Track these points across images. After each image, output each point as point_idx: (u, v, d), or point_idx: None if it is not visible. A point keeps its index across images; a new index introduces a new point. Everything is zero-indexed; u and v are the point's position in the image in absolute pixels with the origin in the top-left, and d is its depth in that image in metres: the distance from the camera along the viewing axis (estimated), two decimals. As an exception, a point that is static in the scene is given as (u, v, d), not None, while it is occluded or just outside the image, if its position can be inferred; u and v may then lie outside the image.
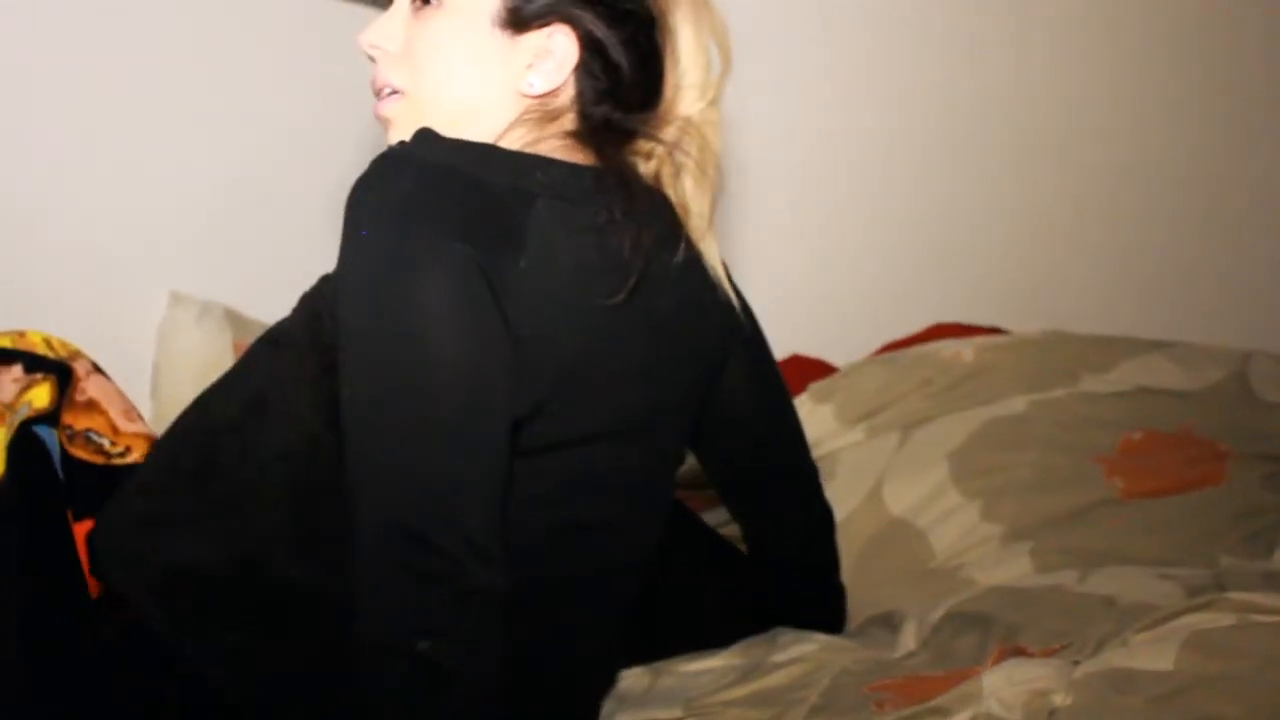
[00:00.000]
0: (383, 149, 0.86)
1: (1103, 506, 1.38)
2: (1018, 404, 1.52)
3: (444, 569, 0.73)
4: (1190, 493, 1.38)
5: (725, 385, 1.09)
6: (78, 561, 0.92)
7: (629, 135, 0.92)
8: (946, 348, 1.67)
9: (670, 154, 0.93)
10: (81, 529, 0.94)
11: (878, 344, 1.95)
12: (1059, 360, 1.58)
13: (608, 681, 1.03)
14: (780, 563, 1.22)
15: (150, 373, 1.93)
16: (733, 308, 0.99)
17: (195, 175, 2.01)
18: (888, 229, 2.07)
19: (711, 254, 0.96)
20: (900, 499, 1.47)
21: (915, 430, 1.55)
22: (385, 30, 0.94)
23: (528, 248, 0.81)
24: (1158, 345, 1.58)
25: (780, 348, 2.09)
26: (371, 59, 0.95)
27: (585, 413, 0.87)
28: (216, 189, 2.04)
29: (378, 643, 0.74)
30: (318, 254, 2.03)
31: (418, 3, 0.92)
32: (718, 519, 1.51)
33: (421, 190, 0.79)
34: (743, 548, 1.27)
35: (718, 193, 0.96)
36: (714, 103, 0.96)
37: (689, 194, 0.94)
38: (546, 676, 0.93)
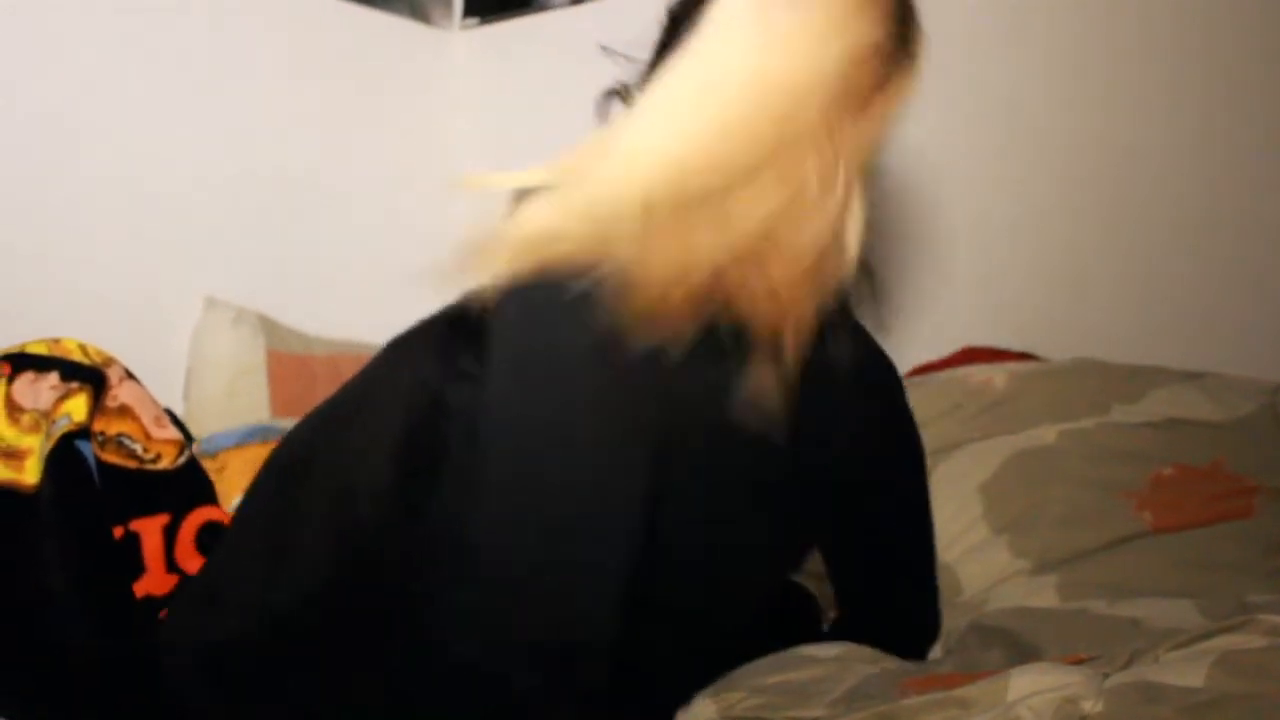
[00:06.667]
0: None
1: (1131, 541, 1.37)
2: (1048, 434, 1.52)
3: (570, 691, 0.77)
4: (1218, 526, 1.37)
5: None
6: (125, 566, 0.94)
7: None
8: (977, 373, 1.67)
9: None
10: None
11: (908, 366, 1.95)
12: (1090, 390, 1.57)
13: None
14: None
15: (183, 377, 1.95)
16: None
17: (231, 182, 2.03)
18: (917, 250, 2.07)
19: None
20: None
21: (944, 457, 1.55)
22: None
23: None
24: (1188, 376, 1.57)
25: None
26: None
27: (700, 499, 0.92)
28: (252, 196, 2.06)
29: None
30: (352, 262, 2.06)
31: None
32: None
33: None
34: None
35: None
36: None
37: None
38: None
